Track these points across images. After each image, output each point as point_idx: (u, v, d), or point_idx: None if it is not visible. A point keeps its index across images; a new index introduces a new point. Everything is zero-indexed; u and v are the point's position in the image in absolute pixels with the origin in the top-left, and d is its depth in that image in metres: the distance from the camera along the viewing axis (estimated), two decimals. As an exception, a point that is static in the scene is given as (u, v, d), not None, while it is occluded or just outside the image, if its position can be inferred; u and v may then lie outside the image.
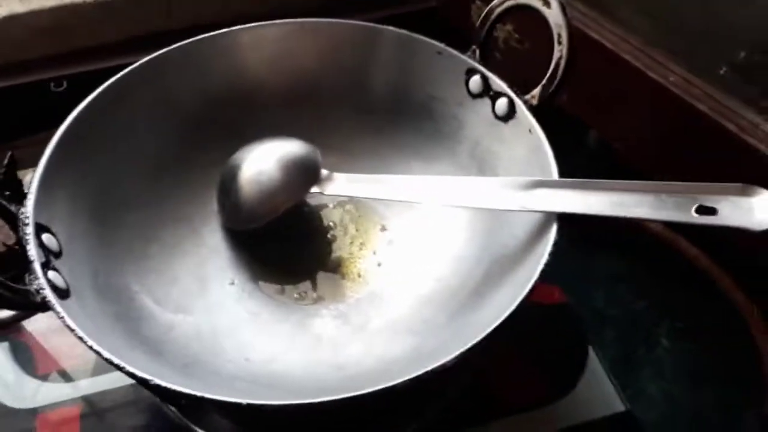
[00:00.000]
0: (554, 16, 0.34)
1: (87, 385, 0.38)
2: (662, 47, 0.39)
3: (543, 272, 0.28)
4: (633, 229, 0.43)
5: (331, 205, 0.42)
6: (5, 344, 0.40)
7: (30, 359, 0.39)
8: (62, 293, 0.29)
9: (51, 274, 0.29)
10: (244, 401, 0.24)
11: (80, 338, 0.26)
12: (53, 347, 0.40)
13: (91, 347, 0.26)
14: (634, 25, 0.40)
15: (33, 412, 0.37)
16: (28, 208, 0.31)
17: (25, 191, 0.45)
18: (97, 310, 0.30)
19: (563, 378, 0.38)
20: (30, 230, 0.30)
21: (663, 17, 0.39)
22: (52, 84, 0.51)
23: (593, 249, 0.44)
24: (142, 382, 0.26)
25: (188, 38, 0.40)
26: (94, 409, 0.38)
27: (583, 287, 0.43)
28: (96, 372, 0.39)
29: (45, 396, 0.38)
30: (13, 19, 0.49)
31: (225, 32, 0.40)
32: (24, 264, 0.35)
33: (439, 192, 0.35)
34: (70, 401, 0.38)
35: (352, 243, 0.40)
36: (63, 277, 0.30)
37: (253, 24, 0.40)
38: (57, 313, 0.27)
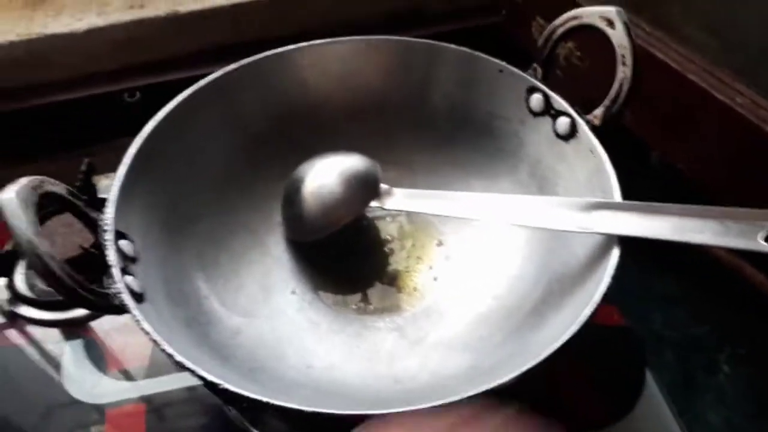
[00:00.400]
0: (618, 37, 0.34)
1: (152, 385, 0.40)
2: (729, 67, 0.39)
3: (604, 295, 0.28)
4: (696, 251, 0.42)
5: (388, 219, 0.42)
6: (78, 342, 0.42)
7: (101, 357, 0.42)
8: (138, 297, 0.30)
9: (128, 278, 0.30)
10: (308, 409, 0.25)
11: (155, 341, 0.28)
12: (122, 346, 0.42)
13: (164, 350, 0.27)
14: (700, 44, 0.40)
15: (102, 408, 0.39)
16: (108, 216, 0.32)
17: (100, 196, 0.48)
18: (168, 314, 0.32)
19: (620, 401, 0.38)
20: (110, 236, 0.31)
21: (730, 37, 0.39)
22: (125, 94, 0.54)
23: (654, 269, 0.44)
24: (211, 385, 0.27)
25: (256, 52, 0.42)
26: (158, 407, 0.39)
27: (641, 308, 0.43)
28: (161, 372, 0.41)
29: (113, 393, 0.40)
30: (91, 32, 0.52)
31: (291, 49, 0.41)
32: (101, 268, 0.37)
33: (497, 209, 0.35)
34: (137, 399, 0.39)
35: (408, 257, 0.41)
36: (138, 282, 0.31)
37: (317, 41, 0.42)
38: (133, 316, 0.28)
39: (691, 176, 0.42)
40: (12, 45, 0.51)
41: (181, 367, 0.27)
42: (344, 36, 0.42)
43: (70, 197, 0.32)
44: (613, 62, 0.35)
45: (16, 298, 0.45)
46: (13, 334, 0.43)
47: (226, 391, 0.26)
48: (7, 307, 0.44)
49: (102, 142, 0.55)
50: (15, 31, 0.52)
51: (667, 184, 0.46)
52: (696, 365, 0.40)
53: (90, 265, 0.42)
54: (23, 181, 0.28)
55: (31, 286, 0.45)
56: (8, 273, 0.45)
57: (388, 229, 0.42)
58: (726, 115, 0.38)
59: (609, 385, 0.39)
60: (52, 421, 0.39)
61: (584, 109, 0.36)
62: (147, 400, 0.40)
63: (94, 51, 0.53)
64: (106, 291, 0.29)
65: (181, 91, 0.39)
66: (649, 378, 0.39)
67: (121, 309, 0.29)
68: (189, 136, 0.38)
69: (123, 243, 0.32)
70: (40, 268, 0.26)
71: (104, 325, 0.43)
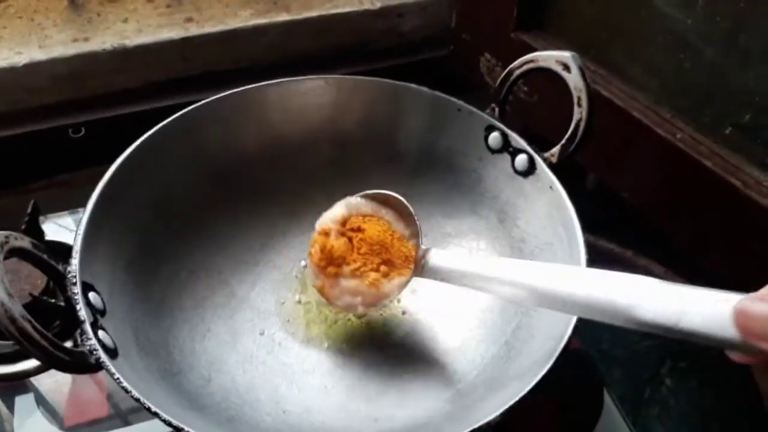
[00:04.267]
0: (574, 80, 0.36)
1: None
2: (670, 106, 0.41)
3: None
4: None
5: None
6: (30, 396, 0.40)
7: (55, 411, 0.40)
8: (112, 353, 0.29)
9: (101, 333, 0.29)
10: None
11: (137, 399, 0.27)
12: (77, 398, 0.41)
13: (148, 408, 0.27)
14: (642, 83, 0.42)
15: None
16: (74, 267, 0.31)
17: (46, 238, 0.46)
18: (142, 366, 0.31)
19: (581, 421, 0.40)
20: (78, 290, 0.30)
21: (671, 77, 0.41)
22: (70, 130, 0.52)
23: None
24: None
25: (205, 85, 0.41)
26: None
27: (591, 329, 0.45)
28: (123, 423, 0.39)
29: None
30: (32, 66, 0.50)
31: (254, 87, 0.41)
32: (53, 315, 0.35)
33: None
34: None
35: (375, 291, 0.41)
36: (110, 336, 0.30)
37: (279, 80, 0.42)
38: (112, 374, 0.28)
39: (634, 203, 0.45)
40: (-56, 80, 0.48)
41: (168, 425, 0.26)
42: (295, 69, 0.43)
43: (34, 251, 0.30)
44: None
45: (-42, 350, 0.42)
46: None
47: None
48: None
49: (45, 178, 0.53)
50: (-53, 65, 0.49)
51: (605, 206, 0.48)
52: (642, 380, 0.43)
53: (41, 312, 0.40)
54: (-11, 238, 0.27)
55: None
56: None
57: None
58: (667, 149, 0.41)
59: (569, 406, 0.41)
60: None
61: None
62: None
63: (36, 85, 0.51)
64: (81, 350, 0.28)
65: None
66: (608, 398, 0.41)
67: (96, 367, 0.28)
68: (150, 178, 0.38)
69: (92, 295, 0.31)
70: (14, 332, 0.25)
71: (54, 377, 0.41)
